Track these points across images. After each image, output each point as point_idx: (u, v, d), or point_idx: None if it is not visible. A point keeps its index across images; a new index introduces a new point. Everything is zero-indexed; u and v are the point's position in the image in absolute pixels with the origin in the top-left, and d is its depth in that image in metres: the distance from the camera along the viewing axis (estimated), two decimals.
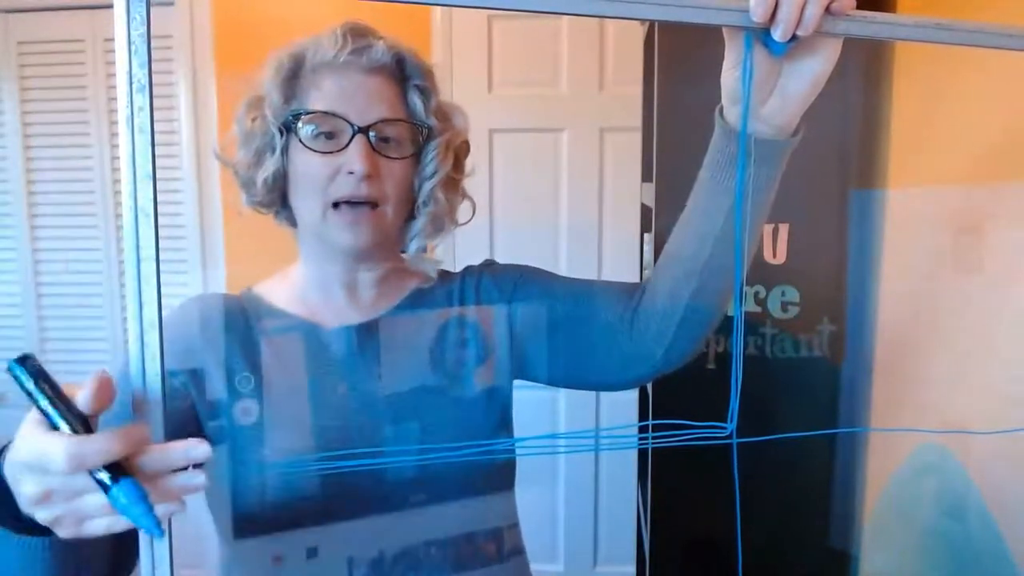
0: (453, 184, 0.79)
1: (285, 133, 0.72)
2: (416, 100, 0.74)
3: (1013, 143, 0.91)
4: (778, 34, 0.48)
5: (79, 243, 2.32)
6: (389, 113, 0.72)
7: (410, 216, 0.78)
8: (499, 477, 0.80)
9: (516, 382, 0.82)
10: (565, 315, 0.79)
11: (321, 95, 0.71)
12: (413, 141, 0.74)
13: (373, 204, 0.72)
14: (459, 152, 0.80)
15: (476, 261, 0.88)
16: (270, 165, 0.73)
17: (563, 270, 0.85)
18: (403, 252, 0.80)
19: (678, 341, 0.72)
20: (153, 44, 0.35)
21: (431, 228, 0.78)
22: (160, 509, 0.42)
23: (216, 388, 0.72)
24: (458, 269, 0.87)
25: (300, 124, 0.71)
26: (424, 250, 0.80)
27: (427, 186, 0.76)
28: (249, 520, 0.72)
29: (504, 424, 0.81)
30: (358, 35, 0.72)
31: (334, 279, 0.78)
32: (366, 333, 0.77)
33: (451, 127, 0.78)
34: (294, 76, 0.73)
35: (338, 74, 0.71)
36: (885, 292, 1.25)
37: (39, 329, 2.36)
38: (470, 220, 0.83)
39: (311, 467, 0.70)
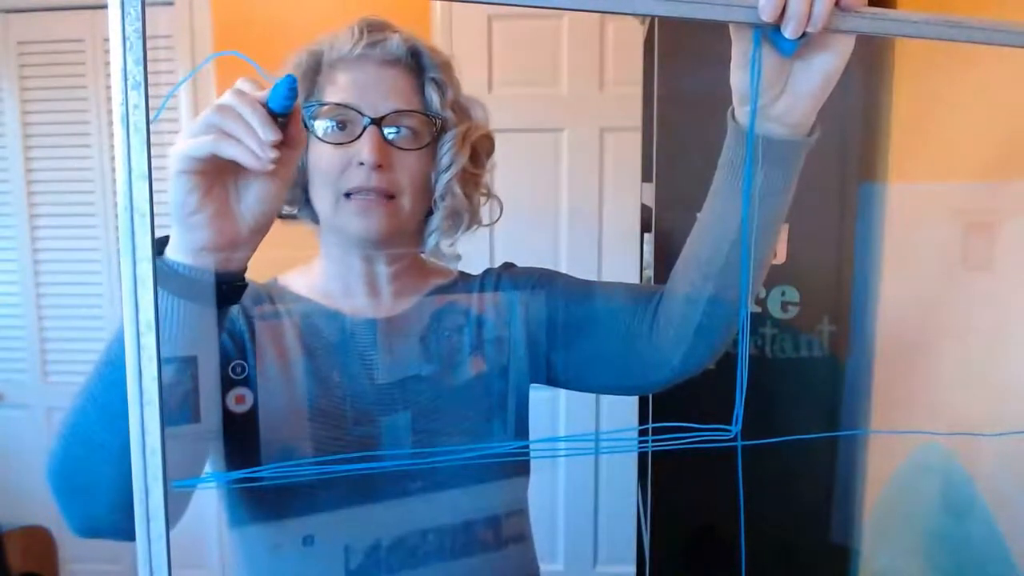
0: (472, 179, 0.79)
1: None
2: (432, 92, 0.74)
3: (1017, 140, 0.91)
4: (788, 31, 0.47)
5: (79, 243, 2.32)
6: (403, 104, 0.72)
7: (429, 212, 0.78)
8: (501, 468, 0.80)
9: None
10: (584, 318, 0.78)
11: (336, 89, 0.72)
12: (428, 133, 0.74)
13: (386, 195, 0.72)
14: (478, 146, 0.79)
15: (476, 261, 0.88)
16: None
17: (563, 270, 0.85)
18: (422, 249, 0.80)
19: (696, 347, 0.71)
20: (153, 44, 0.35)
21: (449, 223, 0.77)
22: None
23: (240, 368, 0.72)
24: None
25: (315, 117, 0.71)
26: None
27: (443, 178, 0.75)
28: (249, 506, 0.72)
29: (519, 424, 0.81)
30: (374, 29, 0.73)
31: (354, 274, 0.77)
32: (385, 328, 0.77)
33: (468, 120, 0.77)
34: (313, 73, 0.73)
35: (353, 67, 0.72)
36: (886, 291, 1.24)
37: (39, 329, 2.35)
38: (498, 220, 0.83)
39: (321, 471, 0.70)
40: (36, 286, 2.34)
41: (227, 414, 0.69)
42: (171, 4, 2.15)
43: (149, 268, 0.37)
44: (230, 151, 0.50)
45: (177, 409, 0.54)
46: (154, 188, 0.38)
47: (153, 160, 0.38)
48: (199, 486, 0.47)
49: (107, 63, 2.28)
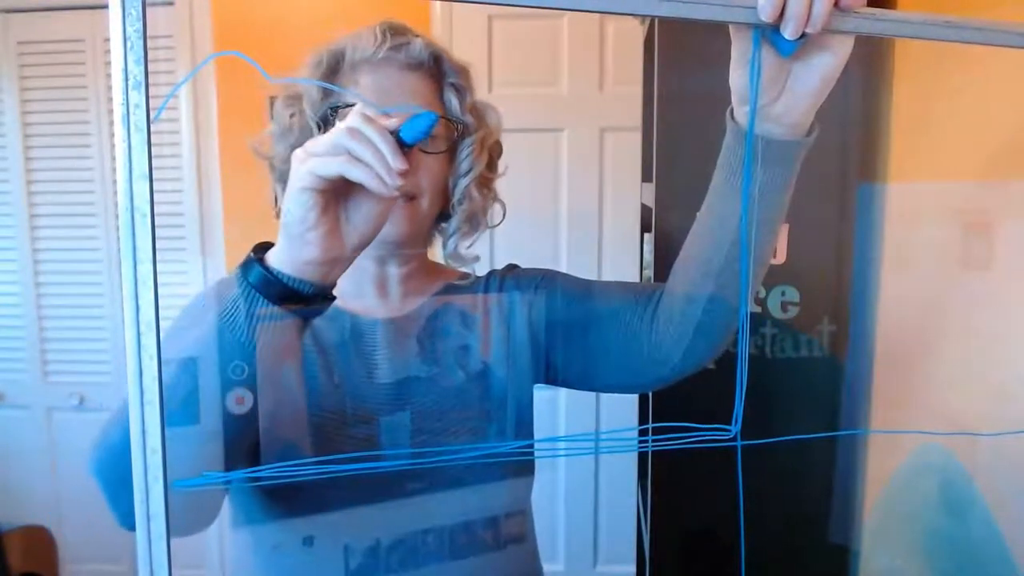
0: (487, 183, 0.80)
1: (323, 127, 0.73)
2: (452, 97, 0.76)
3: (1017, 140, 0.91)
4: (788, 32, 0.47)
5: (79, 243, 2.32)
6: (426, 108, 0.72)
7: (443, 214, 0.80)
8: (505, 469, 0.80)
9: None
10: (586, 318, 0.79)
11: (359, 90, 0.72)
12: (448, 137, 0.76)
13: (407, 196, 0.73)
14: (492, 151, 0.81)
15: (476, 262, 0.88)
16: None
17: (563, 270, 0.85)
18: (443, 250, 0.82)
19: (696, 344, 0.72)
20: (153, 44, 0.35)
21: (468, 226, 0.79)
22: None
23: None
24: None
25: (338, 118, 0.72)
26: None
27: (462, 183, 0.77)
28: (250, 506, 0.72)
29: (524, 424, 0.81)
30: (396, 32, 0.74)
31: (365, 274, 0.78)
32: (394, 328, 0.77)
33: (485, 125, 0.79)
34: (333, 72, 0.74)
35: (376, 70, 0.73)
36: (885, 291, 1.24)
37: (39, 329, 2.35)
38: (501, 223, 0.84)
39: (323, 472, 0.70)
40: (36, 286, 2.34)
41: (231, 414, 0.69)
42: (171, 4, 2.15)
43: (149, 268, 0.37)
44: (358, 175, 0.51)
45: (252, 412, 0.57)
46: (155, 188, 0.38)
47: (153, 160, 0.38)
48: (199, 486, 0.47)
49: (107, 63, 2.28)
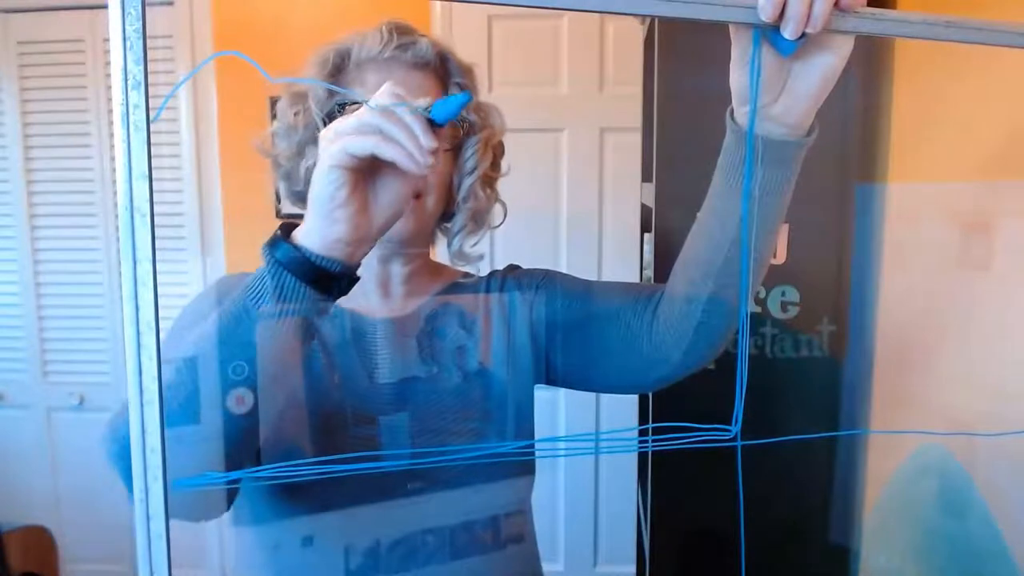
0: (490, 182, 0.81)
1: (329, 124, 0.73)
2: None
3: (1017, 140, 0.91)
4: (788, 32, 0.47)
5: (79, 243, 2.32)
6: None
7: (446, 212, 0.80)
8: (505, 469, 0.80)
9: None
10: (586, 318, 0.79)
11: (366, 89, 0.72)
12: (453, 136, 0.76)
13: (413, 195, 0.72)
14: (496, 151, 0.81)
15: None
16: (313, 155, 0.73)
17: (563, 270, 0.86)
18: (448, 248, 0.82)
19: (696, 344, 0.72)
20: (153, 44, 0.35)
21: (472, 225, 0.80)
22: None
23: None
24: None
25: (345, 115, 0.71)
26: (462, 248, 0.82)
27: (467, 182, 0.77)
28: (251, 506, 0.72)
29: (525, 424, 0.81)
30: (403, 32, 0.74)
31: (368, 273, 0.78)
32: (397, 327, 0.78)
33: (490, 125, 0.80)
34: (339, 71, 0.74)
35: (383, 69, 0.73)
36: (885, 291, 1.24)
37: (39, 329, 2.35)
38: (501, 223, 0.85)
39: (323, 472, 0.70)
40: (36, 286, 2.34)
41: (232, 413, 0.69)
42: (171, 4, 2.15)
43: (149, 268, 0.37)
44: (391, 153, 0.51)
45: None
46: (154, 188, 0.38)
47: (153, 160, 0.38)
48: (199, 486, 0.47)
49: (107, 63, 2.28)
